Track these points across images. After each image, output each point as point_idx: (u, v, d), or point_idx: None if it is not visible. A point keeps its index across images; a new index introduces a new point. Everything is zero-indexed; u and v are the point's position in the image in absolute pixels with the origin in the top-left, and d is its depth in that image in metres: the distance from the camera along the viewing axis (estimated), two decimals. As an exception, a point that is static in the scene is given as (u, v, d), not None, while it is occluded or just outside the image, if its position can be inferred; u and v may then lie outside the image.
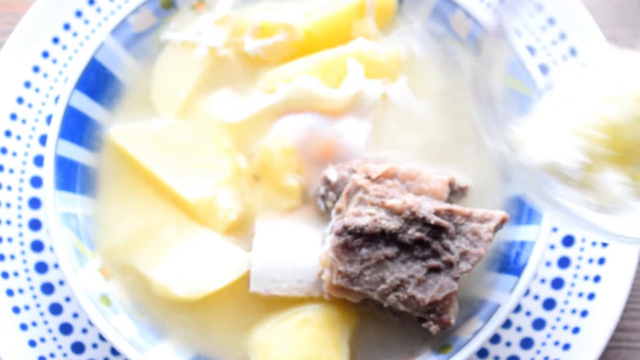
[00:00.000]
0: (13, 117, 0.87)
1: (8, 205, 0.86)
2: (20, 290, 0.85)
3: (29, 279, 0.85)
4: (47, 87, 0.88)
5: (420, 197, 0.74)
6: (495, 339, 0.85)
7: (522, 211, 0.79)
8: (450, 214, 0.73)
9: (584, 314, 0.84)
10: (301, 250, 0.78)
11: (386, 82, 0.82)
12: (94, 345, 0.84)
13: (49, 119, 0.87)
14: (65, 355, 0.84)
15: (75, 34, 0.88)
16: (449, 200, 0.78)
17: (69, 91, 0.80)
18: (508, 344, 0.85)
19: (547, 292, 0.85)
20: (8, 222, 0.85)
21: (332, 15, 0.83)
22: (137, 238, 0.81)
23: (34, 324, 0.84)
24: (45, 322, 0.84)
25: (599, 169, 0.63)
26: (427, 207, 0.72)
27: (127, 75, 0.84)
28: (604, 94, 0.63)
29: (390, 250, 0.73)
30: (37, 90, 0.87)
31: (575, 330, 0.84)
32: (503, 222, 0.73)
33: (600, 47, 0.66)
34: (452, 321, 0.75)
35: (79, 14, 0.88)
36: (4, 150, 0.86)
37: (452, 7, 0.82)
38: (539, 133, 0.64)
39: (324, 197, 0.79)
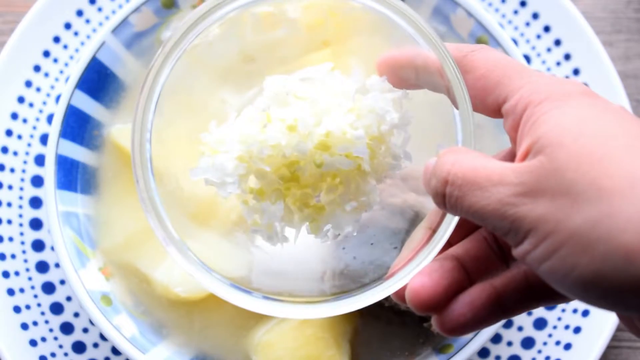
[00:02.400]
0: (14, 116, 0.87)
1: (9, 204, 0.86)
2: (21, 290, 0.85)
3: (29, 279, 0.85)
4: (48, 86, 0.88)
5: (422, 196, 0.74)
6: (496, 338, 0.85)
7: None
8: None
9: (586, 313, 0.84)
10: (302, 250, 0.78)
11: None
12: (95, 345, 0.84)
13: (49, 118, 0.87)
14: (66, 354, 0.84)
15: (76, 34, 0.88)
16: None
17: (70, 90, 0.80)
18: (509, 343, 0.85)
19: (548, 291, 0.85)
20: (9, 222, 0.85)
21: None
22: (138, 237, 0.81)
23: (35, 323, 0.84)
24: (46, 322, 0.84)
25: (268, 198, 0.63)
26: (429, 207, 0.72)
27: (128, 75, 0.84)
28: (283, 117, 0.62)
29: (391, 250, 0.73)
30: (38, 89, 0.87)
31: (577, 329, 0.84)
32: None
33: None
34: (453, 321, 0.75)
35: (79, 13, 0.88)
36: (4, 150, 0.86)
37: (453, 6, 0.82)
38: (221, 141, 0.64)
39: (324, 197, 0.79)
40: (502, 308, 0.55)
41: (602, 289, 0.46)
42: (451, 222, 0.60)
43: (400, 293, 0.60)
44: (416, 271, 0.59)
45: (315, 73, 0.66)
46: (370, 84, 0.64)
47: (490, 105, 0.57)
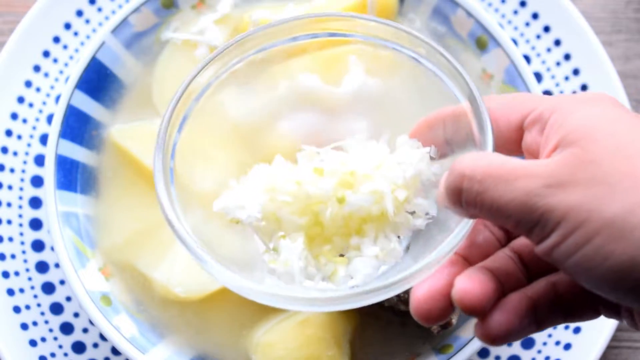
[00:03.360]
0: (14, 116, 0.87)
1: (9, 204, 0.86)
2: (21, 290, 0.85)
3: (29, 279, 0.85)
4: (47, 86, 0.88)
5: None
6: (496, 338, 0.85)
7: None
8: (451, 214, 0.73)
9: (585, 313, 0.84)
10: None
11: (386, 80, 0.82)
12: (95, 345, 0.84)
13: (49, 119, 0.87)
14: (66, 354, 0.84)
15: (76, 34, 0.89)
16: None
17: (70, 90, 0.80)
18: (509, 343, 0.85)
19: (548, 291, 0.85)
20: (9, 222, 0.85)
21: (333, 14, 0.83)
22: (138, 237, 0.81)
23: (35, 323, 0.84)
24: (46, 322, 0.84)
25: (288, 236, 0.64)
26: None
27: (128, 75, 0.84)
28: (315, 166, 0.63)
29: (390, 250, 0.73)
30: (37, 89, 0.88)
31: (577, 330, 0.84)
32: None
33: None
34: (453, 321, 0.75)
35: (79, 13, 0.89)
36: (4, 150, 0.86)
37: (453, 7, 0.82)
38: (239, 187, 0.66)
39: (324, 196, 0.79)
40: (536, 319, 0.54)
41: (634, 278, 0.47)
42: (465, 221, 0.58)
43: (420, 307, 0.56)
44: (424, 274, 0.58)
45: (350, 142, 0.68)
46: (399, 141, 0.65)
47: (513, 122, 0.57)
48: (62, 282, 0.85)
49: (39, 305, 0.85)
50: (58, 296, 0.85)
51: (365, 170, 0.62)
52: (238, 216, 0.64)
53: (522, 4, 0.89)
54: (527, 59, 0.89)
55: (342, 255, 0.64)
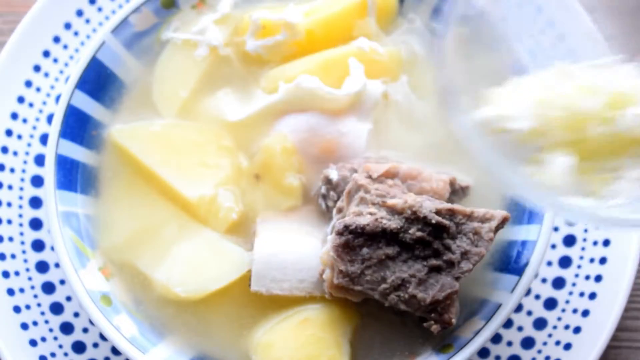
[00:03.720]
0: (14, 116, 0.87)
1: (9, 204, 0.86)
2: (21, 290, 0.85)
3: (29, 279, 0.85)
4: (48, 86, 0.88)
5: (421, 196, 0.74)
6: (496, 338, 0.85)
7: (523, 211, 0.79)
8: (451, 214, 0.73)
9: (585, 313, 0.84)
10: (302, 250, 0.78)
11: (387, 82, 0.83)
12: (95, 345, 0.84)
13: (49, 118, 0.87)
14: (66, 354, 0.84)
15: (76, 34, 0.89)
16: (450, 200, 0.78)
17: (70, 90, 0.80)
18: (509, 343, 0.85)
19: (548, 291, 0.85)
20: (9, 222, 0.86)
21: (333, 15, 0.83)
22: (138, 237, 0.81)
23: (35, 323, 0.84)
24: (46, 322, 0.84)
25: (551, 150, 0.62)
26: (428, 207, 0.72)
27: (128, 75, 0.84)
28: (583, 84, 0.62)
29: (391, 250, 0.73)
30: (38, 89, 0.88)
31: (577, 329, 0.84)
32: (504, 221, 0.73)
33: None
34: (453, 321, 0.75)
35: (79, 13, 0.89)
36: (5, 150, 0.86)
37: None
38: (506, 96, 0.64)
39: (325, 197, 0.79)
40: None
41: None
42: None
43: None
44: None
45: (603, 62, 0.66)
46: None
47: None
48: (62, 282, 0.85)
49: (39, 305, 0.85)
50: (58, 296, 0.85)
51: (635, 92, 0.60)
52: (507, 126, 0.62)
53: (523, 3, 0.89)
54: (532, 54, 0.88)
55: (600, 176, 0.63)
